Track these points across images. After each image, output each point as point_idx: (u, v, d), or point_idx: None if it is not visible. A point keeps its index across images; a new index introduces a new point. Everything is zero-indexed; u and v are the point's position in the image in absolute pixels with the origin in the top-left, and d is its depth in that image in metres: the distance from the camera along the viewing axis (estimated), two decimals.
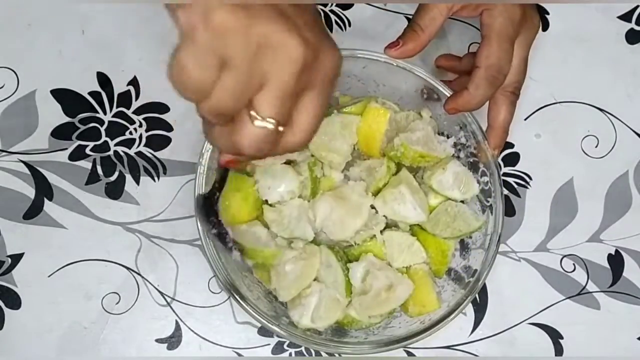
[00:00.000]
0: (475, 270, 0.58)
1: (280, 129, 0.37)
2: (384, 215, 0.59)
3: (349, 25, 0.69)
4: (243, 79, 0.35)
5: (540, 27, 0.58)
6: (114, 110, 0.66)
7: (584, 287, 0.65)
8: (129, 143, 0.65)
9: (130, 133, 0.65)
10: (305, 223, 0.58)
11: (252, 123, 0.37)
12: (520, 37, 0.55)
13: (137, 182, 0.65)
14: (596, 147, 0.68)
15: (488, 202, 0.59)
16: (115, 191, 0.64)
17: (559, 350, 0.64)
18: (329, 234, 0.58)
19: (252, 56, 0.34)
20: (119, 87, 0.66)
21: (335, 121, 0.59)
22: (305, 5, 0.37)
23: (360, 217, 0.57)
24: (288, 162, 0.59)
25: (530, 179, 0.67)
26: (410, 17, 0.68)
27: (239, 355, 0.63)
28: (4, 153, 0.64)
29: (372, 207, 0.59)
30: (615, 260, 0.66)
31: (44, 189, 0.64)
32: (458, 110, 0.56)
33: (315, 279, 0.57)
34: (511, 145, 0.67)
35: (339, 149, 0.59)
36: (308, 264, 0.56)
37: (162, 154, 0.65)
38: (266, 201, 0.58)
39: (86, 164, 0.65)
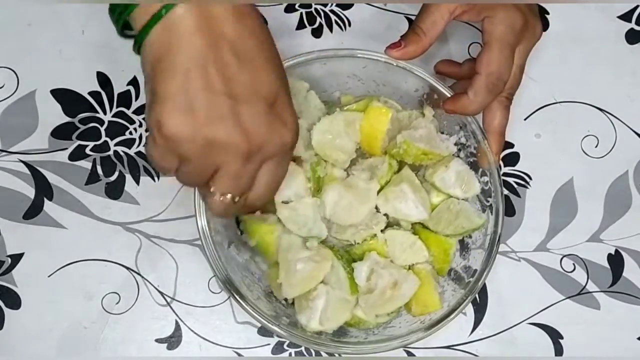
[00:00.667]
0: (475, 270, 0.58)
1: (237, 199, 0.44)
2: (385, 214, 0.59)
3: (349, 25, 0.69)
4: (198, 169, 0.42)
5: (542, 34, 0.58)
6: (114, 110, 0.66)
7: (584, 287, 0.65)
8: (129, 143, 0.65)
9: (130, 133, 0.65)
10: (320, 222, 0.58)
11: (214, 196, 0.44)
12: (521, 45, 0.55)
13: (137, 182, 0.65)
14: (596, 147, 0.68)
15: (488, 202, 0.59)
16: (115, 191, 0.64)
17: (559, 350, 0.64)
18: (339, 221, 0.58)
19: (202, 154, 0.41)
20: (119, 87, 0.66)
21: (339, 119, 0.59)
22: (262, 85, 0.41)
23: (369, 202, 0.58)
24: (294, 160, 0.59)
25: (530, 179, 0.67)
26: (411, 17, 0.68)
27: (239, 355, 0.63)
28: (4, 153, 0.64)
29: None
30: (615, 260, 0.66)
31: (44, 189, 0.64)
32: (455, 113, 0.56)
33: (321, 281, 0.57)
34: (511, 145, 0.67)
35: (344, 146, 0.59)
36: (318, 267, 0.56)
37: None
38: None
39: (86, 164, 0.65)
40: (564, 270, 0.66)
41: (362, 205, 0.57)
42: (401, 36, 0.56)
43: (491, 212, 0.58)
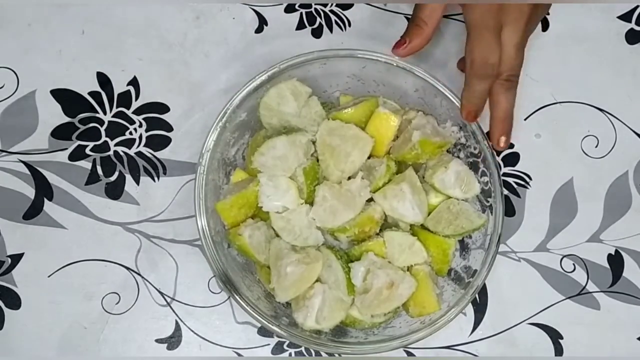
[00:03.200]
0: (475, 270, 0.58)
1: None
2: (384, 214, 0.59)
3: (349, 25, 0.69)
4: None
5: (540, 25, 0.57)
6: (114, 110, 0.66)
7: (584, 287, 0.65)
8: (129, 143, 0.65)
9: (130, 133, 0.65)
10: (314, 230, 0.58)
11: None
12: (509, 26, 0.54)
13: (137, 182, 0.65)
14: (596, 147, 0.68)
15: (488, 202, 0.59)
16: (115, 191, 0.64)
17: (559, 350, 0.64)
18: (319, 221, 0.58)
19: None
20: (119, 87, 0.66)
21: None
22: None
23: (354, 208, 0.58)
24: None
25: (530, 179, 0.67)
26: (410, 17, 0.68)
27: (239, 355, 0.63)
28: (4, 153, 0.64)
29: (372, 200, 0.59)
30: (615, 260, 0.66)
31: (44, 189, 0.64)
32: (473, 115, 0.56)
33: (317, 280, 0.57)
34: (511, 145, 0.67)
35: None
36: (309, 269, 0.56)
37: (162, 154, 0.65)
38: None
39: (86, 164, 0.65)
40: (564, 270, 0.66)
41: (346, 211, 0.57)
42: (403, 34, 0.56)
43: (491, 212, 0.58)
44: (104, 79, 0.66)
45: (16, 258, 0.63)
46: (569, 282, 0.65)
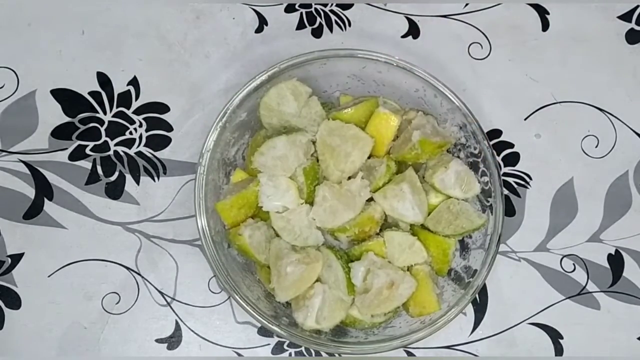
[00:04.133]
0: (475, 270, 0.58)
1: None
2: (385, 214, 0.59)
3: (349, 25, 0.69)
4: None
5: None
6: (114, 110, 0.66)
7: (584, 287, 0.65)
8: (129, 143, 0.65)
9: (130, 133, 0.65)
10: (314, 230, 0.58)
11: None
12: None
13: (137, 182, 0.65)
14: (596, 147, 0.68)
15: (488, 202, 0.59)
16: (115, 191, 0.64)
17: (559, 350, 0.64)
18: (319, 222, 0.58)
19: None
20: (119, 87, 0.66)
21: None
22: None
23: (354, 208, 0.58)
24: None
25: (530, 179, 0.67)
26: (411, 17, 0.68)
27: (239, 355, 0.63)
28: (4, 153, 0.64)
29: (372, 200, 0.59)
30: (615, 260, 0.66)
31: (44, 189, 0.64)
32: None
33: (317, 280, 0.57)
34: (511, 145, 0.67)
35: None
36: (309, 269, 0.56)
37: (162, 154, 0.65)
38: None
39: (86, 164, 0.65)
40: (564, 270, 0.66)
41: (346, 211, 0.57)
42: None
43: (491, 212, 0.58)
44: (104, 79, 0.66)
45: (16, 258, 0.63)
46: (569, 282, 0.65)
